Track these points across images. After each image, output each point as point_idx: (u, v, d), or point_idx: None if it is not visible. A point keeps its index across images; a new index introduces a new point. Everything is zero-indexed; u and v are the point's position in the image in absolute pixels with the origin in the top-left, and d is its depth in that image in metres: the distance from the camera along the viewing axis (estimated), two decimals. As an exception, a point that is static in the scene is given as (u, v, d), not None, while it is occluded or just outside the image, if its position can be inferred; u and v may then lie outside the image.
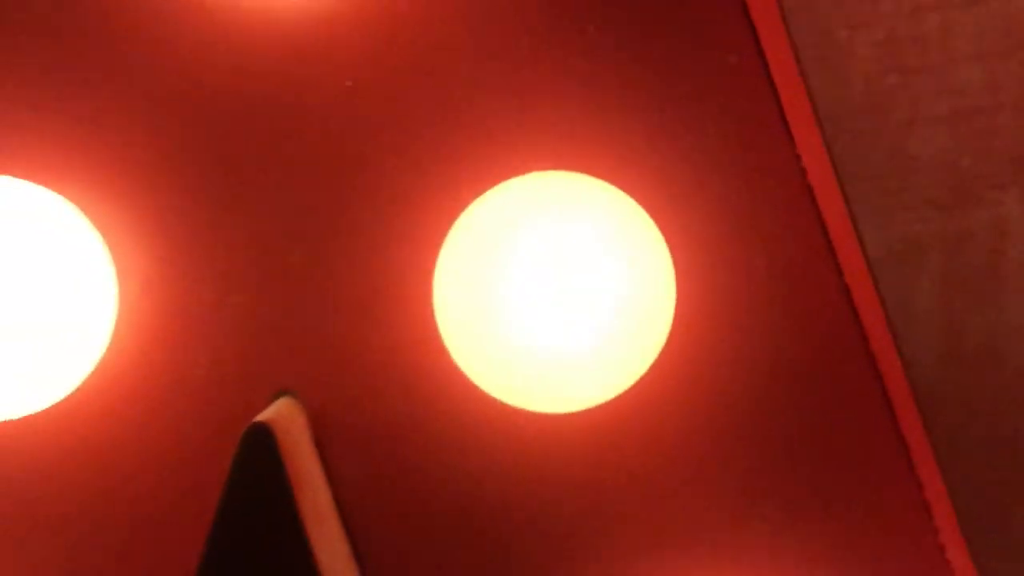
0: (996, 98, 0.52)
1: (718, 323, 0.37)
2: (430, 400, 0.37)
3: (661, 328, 0.35)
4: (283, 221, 0.37)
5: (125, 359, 0.36)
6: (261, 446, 0.33)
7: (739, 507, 0.37)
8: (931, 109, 0.52)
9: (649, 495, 0.37)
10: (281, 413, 0.35)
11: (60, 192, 0.36)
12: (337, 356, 0.37)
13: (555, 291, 0.34)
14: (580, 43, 0.36)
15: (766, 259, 0.37)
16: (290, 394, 0.37)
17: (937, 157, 0.52)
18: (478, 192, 0.36)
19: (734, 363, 0.37)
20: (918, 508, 0.37)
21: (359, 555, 0.37)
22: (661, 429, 0.37)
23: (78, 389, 0.36)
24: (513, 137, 0.36)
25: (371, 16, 0.37)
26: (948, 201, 0.50)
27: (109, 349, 0.36)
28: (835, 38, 0.52)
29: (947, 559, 0.37)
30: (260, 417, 0.34)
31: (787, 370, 0.37)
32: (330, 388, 0.37)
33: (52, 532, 0.37)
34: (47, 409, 0.36)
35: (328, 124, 0.36)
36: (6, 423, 0.37)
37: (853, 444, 0.37)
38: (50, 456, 0.37)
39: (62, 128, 0.36)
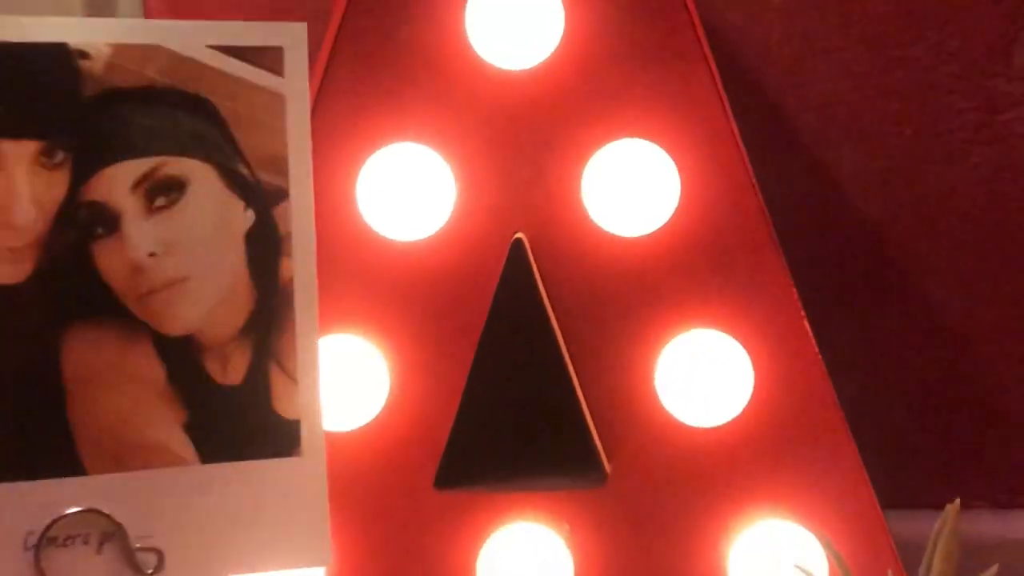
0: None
1: (698, 203, 0.85)
2: (570, 243, 0.85)
3: (673, 201, 0.84)
4: (514, 155, 0.85)
5: (459, 221, 0.85)
6: (521, 248, 0.83)
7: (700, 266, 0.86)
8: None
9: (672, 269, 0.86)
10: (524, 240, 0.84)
11: (431, 146, 0.85)
12: (538, 216, 0.85)
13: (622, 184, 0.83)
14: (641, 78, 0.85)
15: (728, 183, 0.85)
16: (520, 235, 0.85)
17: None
18: (600, 146, 0.85)
19: (705, 219, 0.85)
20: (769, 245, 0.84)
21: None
22: (674, 243, 0.85)
23: (436, 232, 0.85)
24: (621, 125, 0.85)
25: (554, 76, 0.85)
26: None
27: (449, 218, 0.85)
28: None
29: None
30: (516, 237, 0.84)
31: (718, 218, 0.85)
32: (539, 233, 0.85)
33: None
34: (419, 240, 0.86)
35: (542, 116, 0.85)
36: (401, 242, 0.85)
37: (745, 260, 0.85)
38: (423, 265, 0.85)
39: (432, 122, 0.85)
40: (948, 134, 1.00)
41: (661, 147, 0.85)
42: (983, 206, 1.01)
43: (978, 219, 1.01)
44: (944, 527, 0.66)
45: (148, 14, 1.08)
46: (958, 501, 0.67)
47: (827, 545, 0.75)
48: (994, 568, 0.68)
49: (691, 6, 0.86)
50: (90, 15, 1.08)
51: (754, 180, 0.86)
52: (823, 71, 1.02)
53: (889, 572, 0.70)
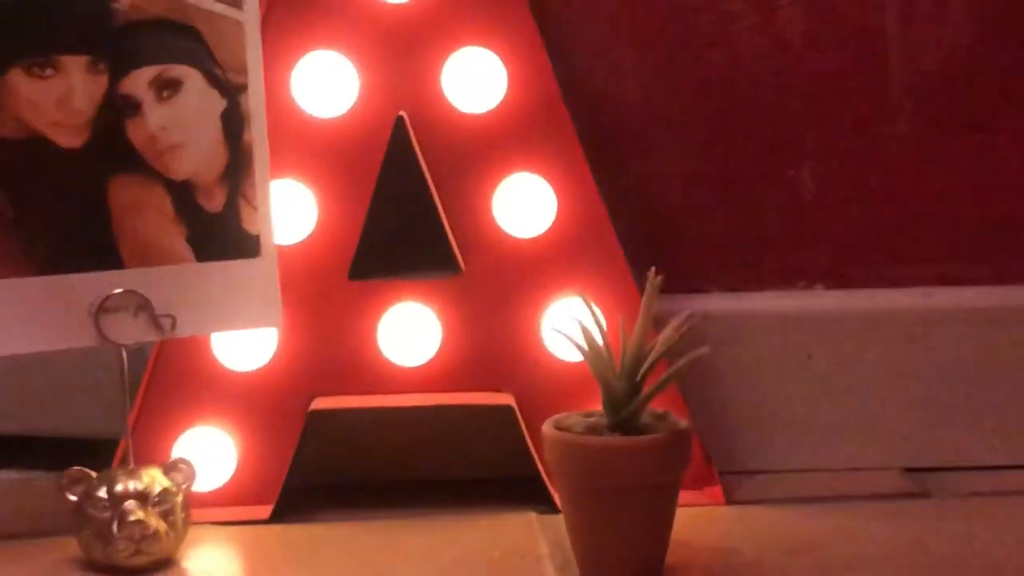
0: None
1: (519, 91, 1.18)
2: (434, 118, 1.16)
3: (503, 90, 1.17)
4: (396, 59, 1.15)
5: (361, 104, 1.16)
6: (402, 122, 1.14)
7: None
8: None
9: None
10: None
11: (341, 53, 1.16)
12: (414, 100, 1.15)
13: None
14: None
15: (540, 78, 1.16)
16: (403, 113, 1.21)
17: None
18: (451, 52, 1.17)
19: (522, 104, 1.18)
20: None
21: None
22: (504, 117, 1.18)
23: (345, 111, 1.16)
24: (466, 37, 1.15)
25: (423, 7, 1.15)
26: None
27: (355, 102, 1.16)
28: None
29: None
30: (399, 114, 1.20)
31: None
32: (414, 112, 1.16)
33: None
34: (335, 117, 1.17)
35: (416, 33, 1.15)
36: (322, 119, 1.19)
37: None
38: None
39: (341, 38, 1.15)
40: (698, 38, 1.29)
41: (494, 52, 1.12)
42: (719, 86, 1.30)
43: (714, 96, 1.30)
44: (648, 293, 1.03)
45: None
46: (653, 270, 0.98)
47: (594, 310, 1.02)
48: (704, 349, 0.92)
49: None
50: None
51: (553, 75, 1.13)
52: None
53: (620, 317, 1.06)
